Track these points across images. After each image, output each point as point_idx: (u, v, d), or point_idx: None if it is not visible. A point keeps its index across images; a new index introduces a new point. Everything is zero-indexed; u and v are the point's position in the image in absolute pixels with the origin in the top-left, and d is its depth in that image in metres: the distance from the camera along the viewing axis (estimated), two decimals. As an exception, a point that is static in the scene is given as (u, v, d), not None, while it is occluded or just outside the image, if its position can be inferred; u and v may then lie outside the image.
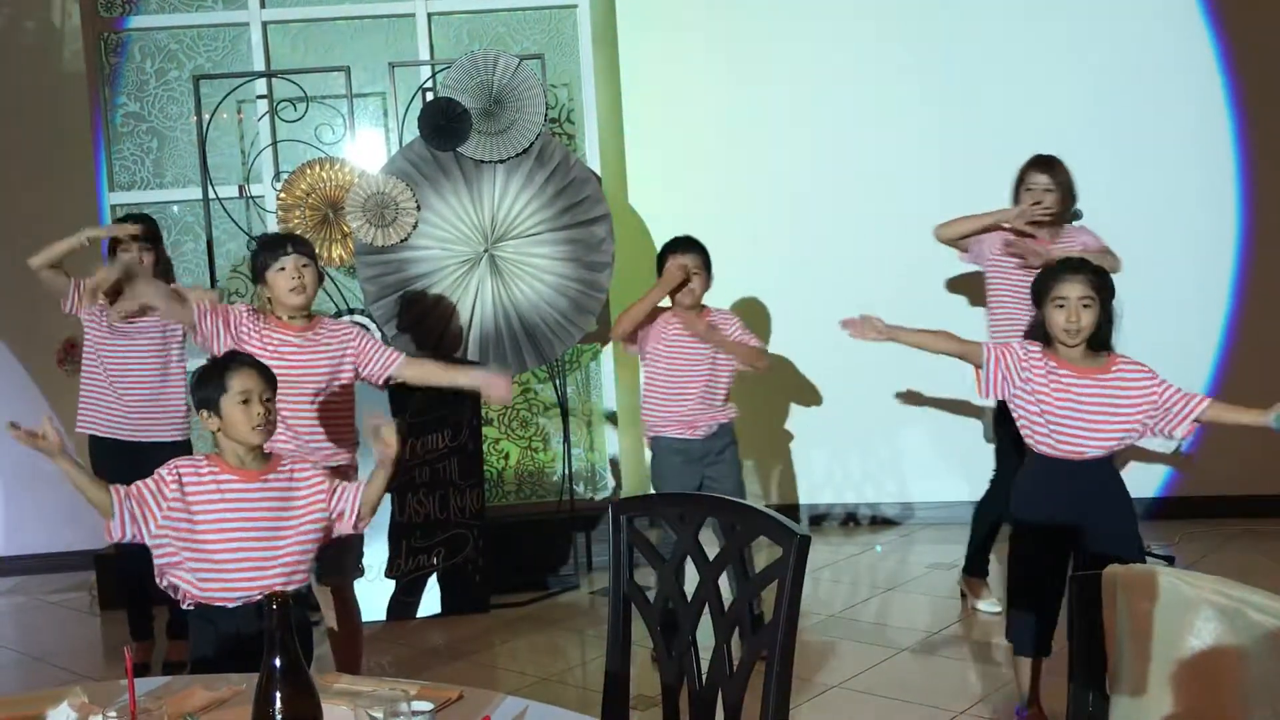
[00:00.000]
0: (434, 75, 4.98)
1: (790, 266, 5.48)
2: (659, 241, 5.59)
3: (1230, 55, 5.15)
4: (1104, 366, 3.07)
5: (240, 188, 5.15)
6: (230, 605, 2.63)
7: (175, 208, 5.26)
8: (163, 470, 2.65)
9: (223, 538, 2.61)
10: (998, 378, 3.12)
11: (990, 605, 4.28)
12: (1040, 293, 3.11)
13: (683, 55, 5.57)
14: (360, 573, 3.68)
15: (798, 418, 5.63)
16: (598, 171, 5.09)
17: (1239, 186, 5.19)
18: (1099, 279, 3.08)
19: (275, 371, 2.80)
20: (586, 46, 5.28)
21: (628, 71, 5.61)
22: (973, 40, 5.33)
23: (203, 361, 2.86)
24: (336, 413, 3.44)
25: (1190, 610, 1.68)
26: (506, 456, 5.36)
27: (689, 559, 2.01)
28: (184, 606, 2.68)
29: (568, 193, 4.81)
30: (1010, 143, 5.19)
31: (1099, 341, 3.07)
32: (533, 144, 4.76)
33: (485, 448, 5.09)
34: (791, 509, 5.65)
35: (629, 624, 2.06)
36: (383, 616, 4.57)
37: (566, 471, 5.14)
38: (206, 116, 4.95)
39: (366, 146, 5.15)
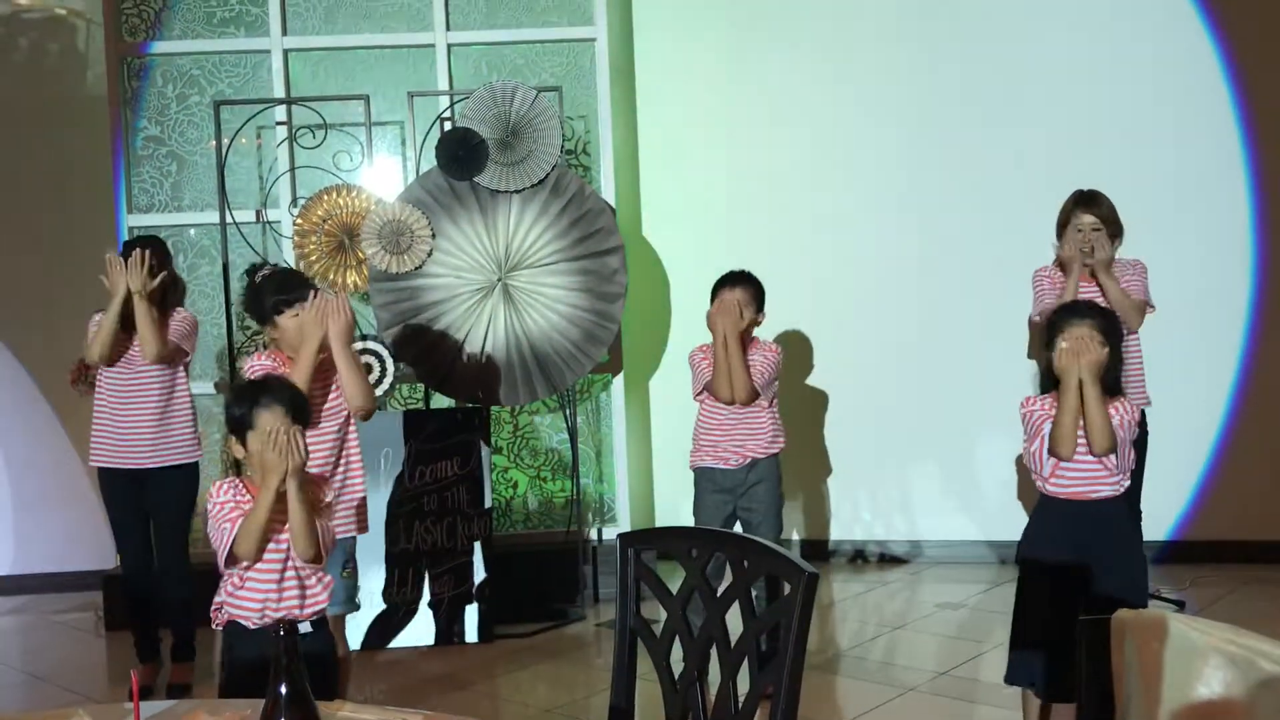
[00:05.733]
0: (452, 105, 5.02)
1: (804, 302, 5.48)
2: (672, 273, 5.66)
3: (1234, 64, 5.13)
4: (1111, 408, 3.06)
5: (257, 213, 5.19)
6: (252, 626, 2.66)
7: (192, 231, 5.29)
8: (223, 497, 2.66)
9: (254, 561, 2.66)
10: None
11: None
12: (1048, 335, 3.12)
13: (699, 89, 5.61)
14: (355, 607, 3.66)
15: (807, 454, 5.61)
16: (612, 203, 5.12)
17: (1251, 195, 5.16)
18: (1105, 322, 3.08)
19: None
20: (604, 80, 5.31)
21: (644, 105, 5.65)
22: (989, 69, 5.34)
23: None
24: (343, 443, 3.46)
25: (1200, 658, 1.67)
26: (515, 485, 5.36)
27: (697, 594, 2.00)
28: (214, 626, 2.73)
29: (582, 224, 4.83)
30: (1035, 168, 5.22)
31: (1106, 385, 3.05)
32: (549, 175, 4.79)
33: (494, 476, 5.10)
34: (799, 545, 5.63)
35: (634, 658, 2.06)
36: (387, 644, 4.56)
37: (574, 501, 5.13)
38: (226, 141, 5.00)
39: (384, 174, 5.18)
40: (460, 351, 4.83)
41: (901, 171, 5.45)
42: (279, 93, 5.21)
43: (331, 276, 4.87)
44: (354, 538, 3.56)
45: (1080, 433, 3.02)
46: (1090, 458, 3.03)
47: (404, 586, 4.61)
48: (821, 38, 5.50)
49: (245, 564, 2.65)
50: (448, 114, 5.02)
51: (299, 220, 4.88)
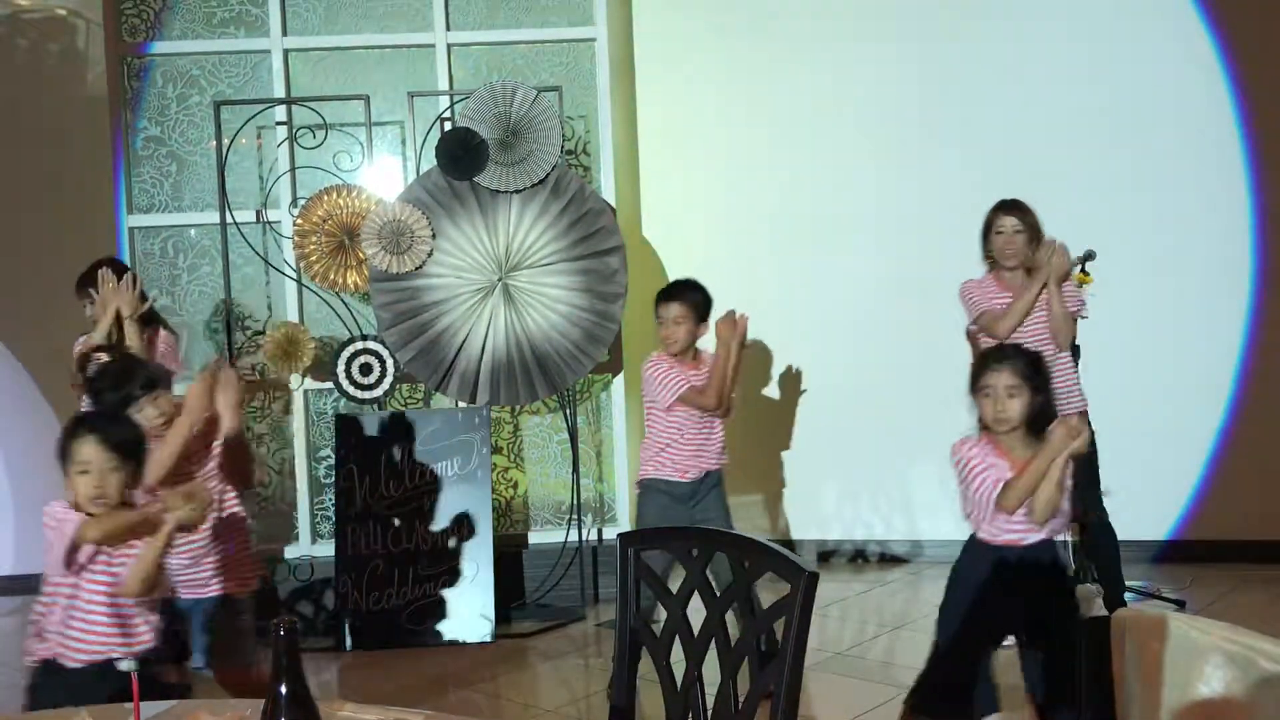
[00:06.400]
0: (452, 105, 5.02)
1: (804, 301, 5.49)
2: (672, 273, 5.64)
3: (1235, 68, 5.13)
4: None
5: (258, 213, 5.19)
6: (72, 665, 2.59)
7: (193, 231, 5.29)
8: (59, 510, 2.61)
9: (83, 592, 2.61)
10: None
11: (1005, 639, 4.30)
12: (971, 381, 3.09)
13: (700, 90, 5.61)
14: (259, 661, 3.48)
15: (808, 453, 5.61)
16: (612, 203, 5.12)
17: (1250, 194, 5.15)
18: (1027, 366, 3.04)
19: None
20: (604, 80, 5.31)
21: (644, 105, 5.64)
22: (989, 68, 5.33)
23: None
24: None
25: (1200, 657, 1.67)
26: (515, 485, 5.36)
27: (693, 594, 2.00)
28: (26, 661, 2.65)
29: (582, 224, 4.83)
30: (1026, 177, 5.22)
31: (1038, 428, 3.01)
32: (549, 175, 4.79)
33: (494, 476, 5.10)
34: (800, 545, 5.63)
35: (635, 658, 2.06)
36: (387, 644, 4.56)
37: (575, 502, 5.13)
38: (226, 142, 5.00)
39: (384, 174, 5.18)
40: (460, 351, 4.83)
41: (903, 171, 5.44)
42: (279, 93, 5.20)
43: (332, 276, 4.87)
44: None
45: None
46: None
47: (404, 587, 4.61)
48: (823, 38, 5.49)
49: (121, 595, 2.58)
50: (448, 114, 5.02)
51: (299, 220, 4.89)
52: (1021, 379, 3.00)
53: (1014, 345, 3.26)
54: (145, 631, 2.67)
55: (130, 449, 2.65)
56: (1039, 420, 3.02)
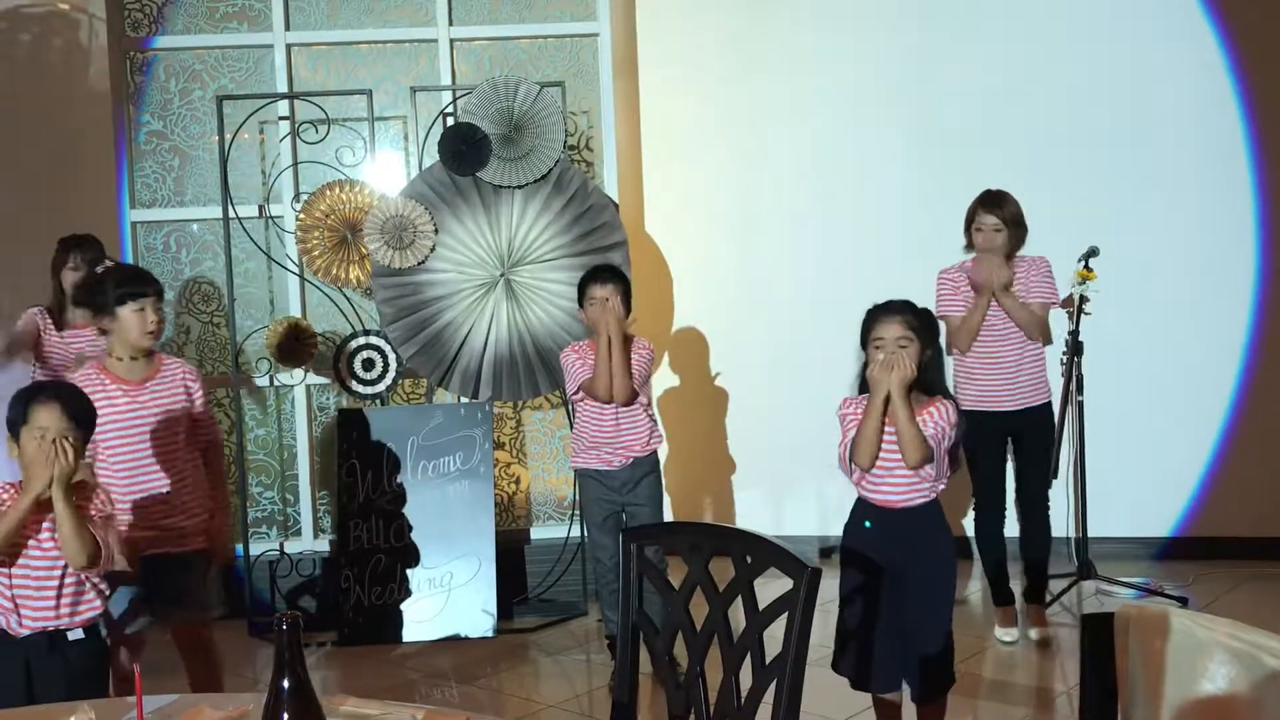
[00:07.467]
0: (455, 100, 5.02)
1: (808, 297, 5.48)
2: (675, 269, 5.66)
3: (1240, 67, 5.11)
4: (918, 411, 2.96)
5: (260, 208, 5.19)
6: (22, 632, 2.66)
7: (195, 226, 5.30)
8: None
9: (22, 565, 2.66)
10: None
11: (1008, 634, 4.29)
12: (862, 335, 3.06)
13: (702, 85, 5.60)
14: (218, 612, 3.54)
15: (811, 448, 5.60)
16: (615, 199, 5.11)
17: (1254, 191, 5.13)
18: (918, 319, 3.01)
19: (113, 416, 2.90)
20: (607, 75, 5.31)
21: (647, 100, 5.64)
22: (992, 61, 5.32)
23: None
24: (184, 459, 3.37)
25: (1203, 653, 1.66)
26: (517, 481, 5.36)
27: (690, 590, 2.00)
28: None
29: (585, 219, 4.83)
30: (1030, 175, 5.23)
31: (923, 385, 2.97)
32: (551, 170, 4.79)
33: (496, 472, 5.10)
34: (803, 540, 5.62)
35: (637, 653, 2.06)
36: (390, 640, 4.56)
37: (576, 498, 5.13)
38: (229, 136, 4.99)
39: (386, 169, 5.18)
40: (463, 347, 4.83)
41: (905, 167, 5.43)
42: (282, 87, 5.20)
43: (334, 271, 4.87)
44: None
45: (895, 445, 2.95)
46: (902, 470, 2.96)
47: (406, 582, 4.61)
48: (825, 32, 5.48)
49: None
50: (450, 109, 5.01)
51: (302, 215, 4.88)
52: (911, 330, 2.97)
53: (903, 300, 3.15)
54: (94, 599, 2.76)
55: (85, 419, 2.72)
56: (927, 374, 2.97)
